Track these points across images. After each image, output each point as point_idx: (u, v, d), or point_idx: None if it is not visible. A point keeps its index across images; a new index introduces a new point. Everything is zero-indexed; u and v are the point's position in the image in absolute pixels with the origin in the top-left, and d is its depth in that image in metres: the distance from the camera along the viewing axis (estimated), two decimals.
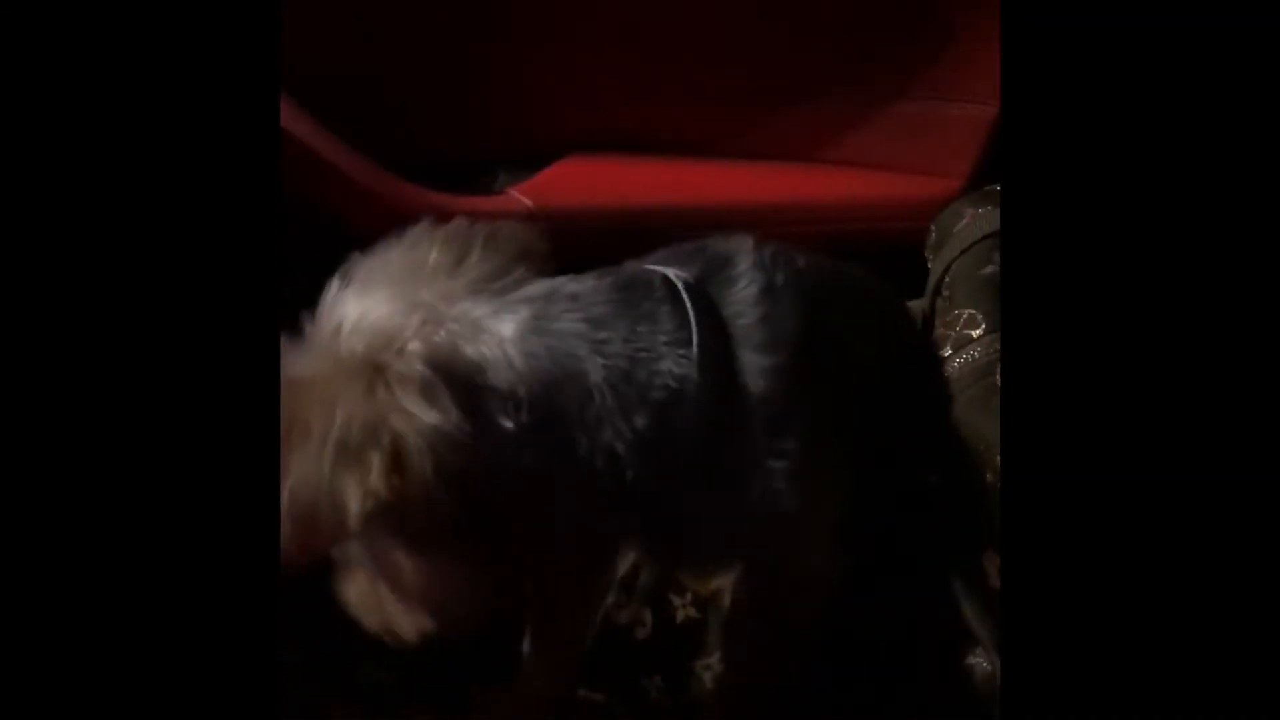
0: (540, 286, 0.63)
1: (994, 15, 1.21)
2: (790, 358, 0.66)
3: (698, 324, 0.63)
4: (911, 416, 0.81)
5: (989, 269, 0.83)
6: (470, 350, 0.59)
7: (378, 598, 0.62)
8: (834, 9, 1.24)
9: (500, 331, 0.60)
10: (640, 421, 0.62)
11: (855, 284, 0.84)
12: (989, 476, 0.73)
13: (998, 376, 0.75)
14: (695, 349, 0.63)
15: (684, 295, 0.64)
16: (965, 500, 0.76)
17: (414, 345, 0.57)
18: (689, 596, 0.95)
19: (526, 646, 0.85)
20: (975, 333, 0.79)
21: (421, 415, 0.55)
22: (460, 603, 0.61)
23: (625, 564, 0.92)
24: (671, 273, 0.66)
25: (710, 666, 0.90)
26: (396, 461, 0.55)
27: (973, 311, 0.80)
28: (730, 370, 0.64)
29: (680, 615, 0.94)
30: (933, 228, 0.99)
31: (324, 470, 0.54)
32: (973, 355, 0.78)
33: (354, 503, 0.55)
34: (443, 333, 0.59)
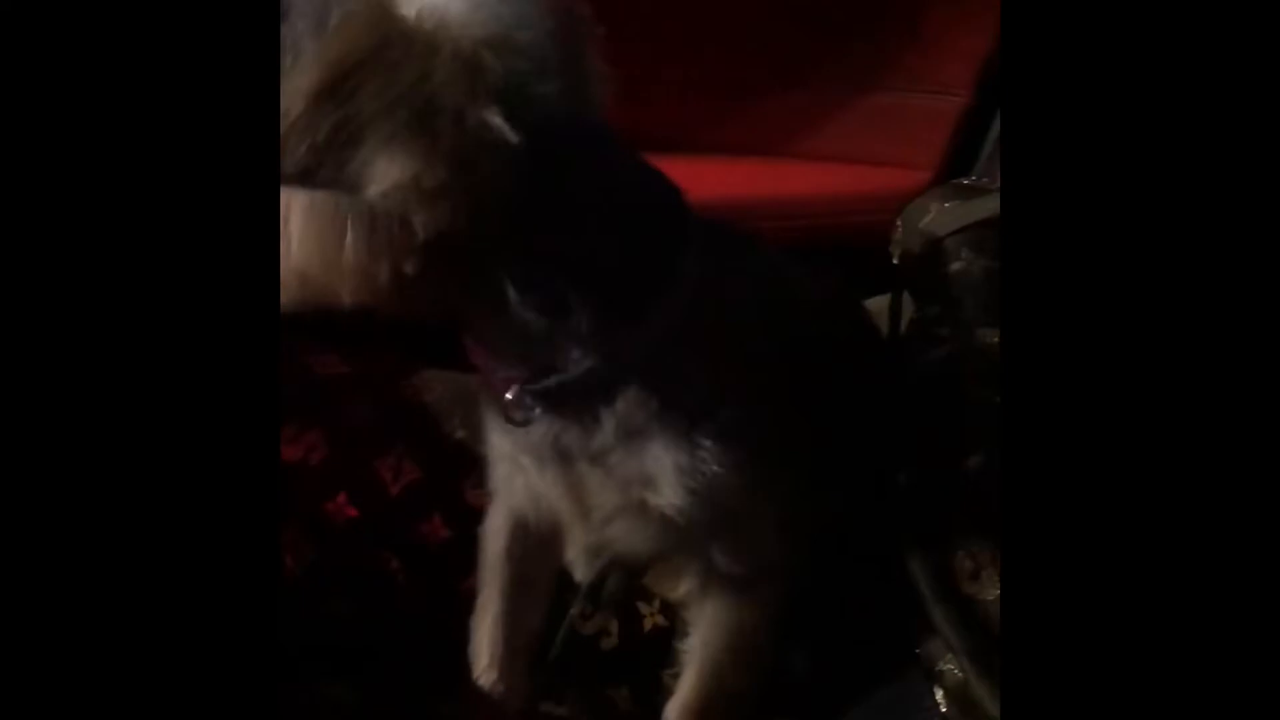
0: (608, 130, 0.64)
1: (962, 4, 1.21)
2: (748, 338, 0.67)
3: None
4: (876, 418, 0.80)
5: (955, 265, 0.82)
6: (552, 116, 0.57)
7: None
8: (807, 2, 1.23)
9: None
10: (594, 313, 0.62)
11: (820, 286, 0.83)
12: (957, 476, 0.71)
13: (965, 373, 0.73)
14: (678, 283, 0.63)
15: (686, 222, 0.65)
16: (933, 500, 0.74)
17: (520, 64, 0.55)
18: (657, 604, 0.93)
19: (472, 652, 0.84)
20: (942, 330, 0.77)
21: (507, 136, 0.53)
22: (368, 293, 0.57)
23: (591, 571, 0.90)
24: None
25: (678, 675, 0.88)
26: (455, 162, 0.53)
27: (938, 308, 0.79)
28: (689, 318, 0.64)
29: (648, 624, 0.93)
30: (899, 222, 0.97)
31: (393, 121, 0.52)
32: (939, 352, 0.77)
33: (393, 172, 0.52)
34: (549, 77, 0.57)
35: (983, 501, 0.70)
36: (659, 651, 0.92)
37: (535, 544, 0.84)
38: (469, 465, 0.95)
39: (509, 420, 0.67)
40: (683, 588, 0.85)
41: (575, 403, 0.66)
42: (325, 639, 0.91)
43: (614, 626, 0.93)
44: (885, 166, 1.25)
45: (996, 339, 0.74)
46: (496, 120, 0.53)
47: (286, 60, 0.53)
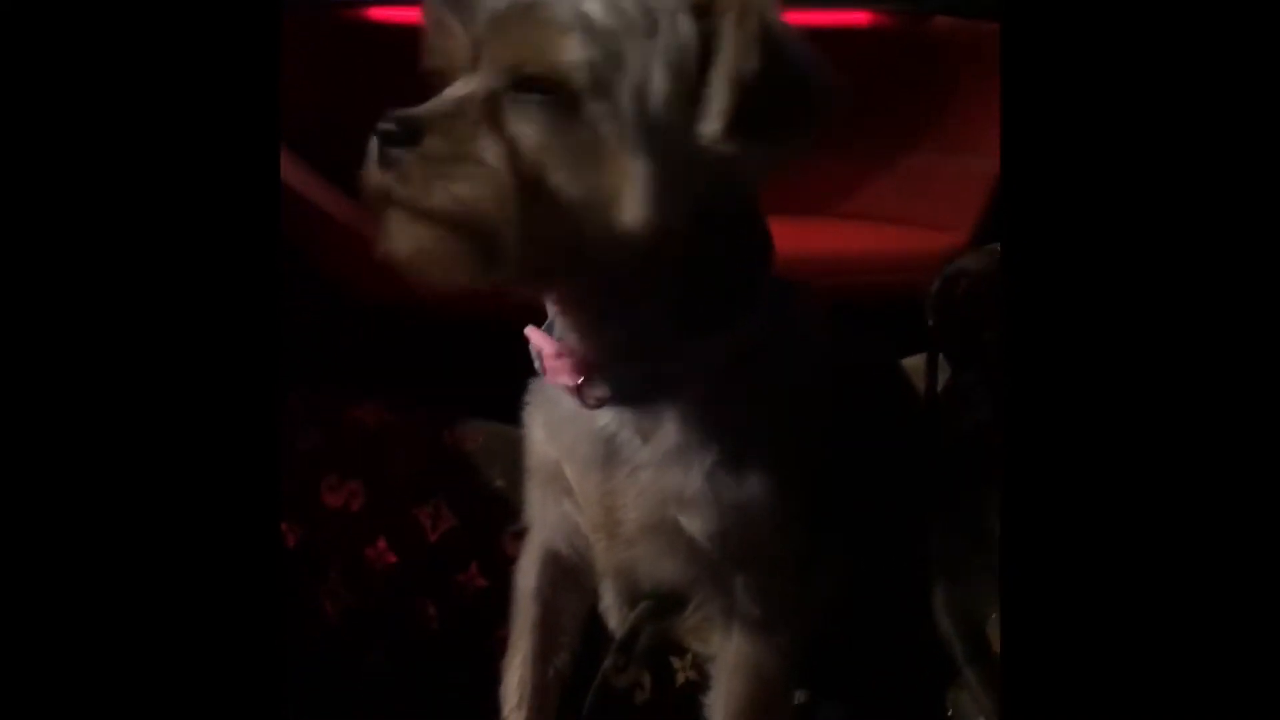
0: None
1: (997, 69, 1.23)
2: (799, 379, 0.71)
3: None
4: (911, 477, 0.81)
5: (990, 331, 0.82)
6: None
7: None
8: (840, 63, 1.25)
9: None
10: (690, 316, 0.67)
11: (863, 343, 0.86)
12: (989, 541, 0.72)
13: (995, 439, 0.74)
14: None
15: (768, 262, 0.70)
16: (965, 564, 0.74)
17: None
18: (689, 659, 0.93)
19: (502, 694, 0.86)
20: (977, 396, 0.78)
21: None
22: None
23: (625, 624, 0.90)
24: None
25: None
26: None
27: (970, 373, 0.79)
28: (754, 349, 0.68)
29: (680, 678, 0.92)
30: (934, 286, 0.98)
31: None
32: (974, 417, 0.77)
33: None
34: None
35: None
36: (690, 707, 0.91)
37: (565, 580, 0.86)
38: (507, 515, 0.96)
39: (583, 401, 0.69)
40: (714, 642, 0.86)
41: (646, 397, 0.69)
42: (362, 684, 0.92)
43: (646, 680, 0.92)
44: (921, 227, 1.27)
45: None
46: None
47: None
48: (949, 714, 0.76)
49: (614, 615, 0.89)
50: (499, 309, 0.67)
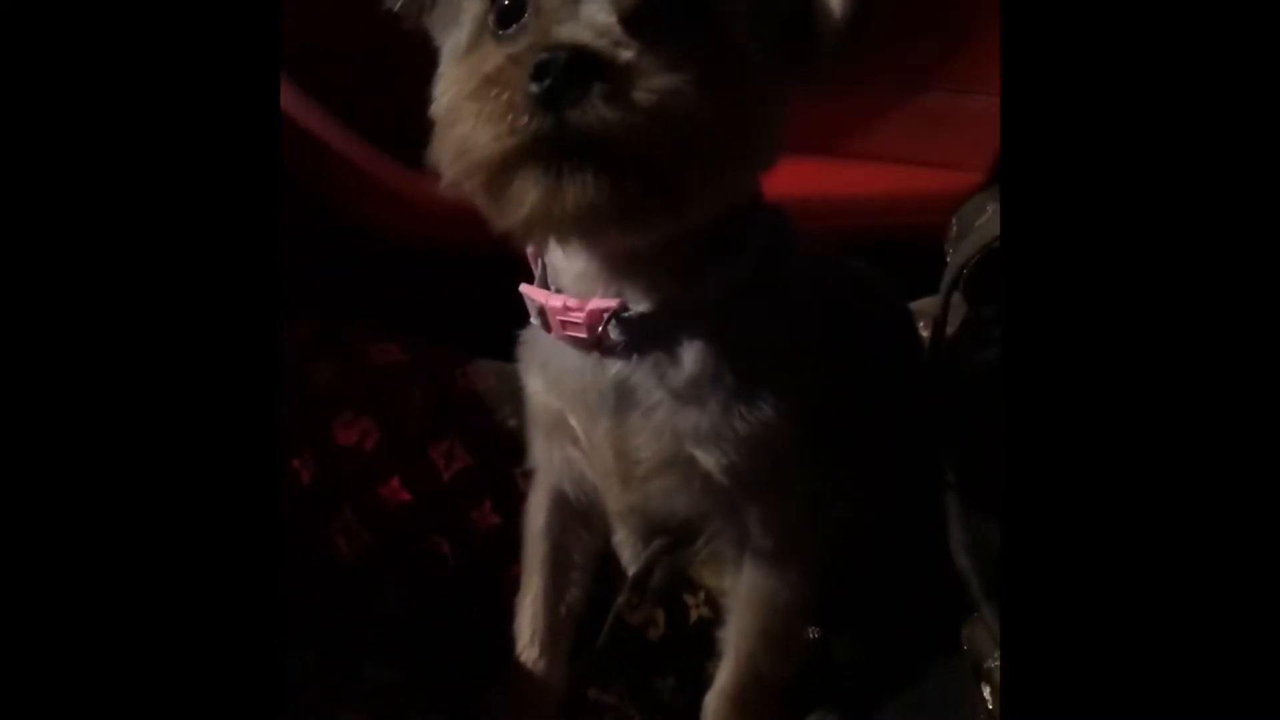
0: None
1: None
2: (802, 311, 0.72)
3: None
4: (921, 413, 0.80)
5: None
6: None
7: None
8: None
9: None
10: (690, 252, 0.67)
11: (872, 281, 0.87)
12: None
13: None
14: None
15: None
16: (982, 497, 0.74)
17: None
18: (702, 595, 0.93)
19: (515, 630, 0.87)
20: (996, 330, 0.77)
21: None
22: None
23: (639, 561, 0.90)
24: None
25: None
26: None
27: (994, 307, 0.79)
28: (755, 280, 0.69)
29: (694, 615, 0.93)
30: (954, 220, 0.97)
31: None
32: (994, 351, 0.77)
33: None
34: None
35: None
36: (704, 643, 0.92)
37: (574, 520, 0.87)
38: (520, 453, 0.96)
39: (603, 349, 0.69)
40: (727, 578, 0.87)
41: (660, 339, 0.69)
42: (376, 623, 0.93)
43: (660, 617, 0.93)
44: (936, 168, 1.25)
45: None
46: None
47: None
48: (964, 649, 0.77)
49: (627, 551, 0.89)
50: (509, 249, 0.66)
